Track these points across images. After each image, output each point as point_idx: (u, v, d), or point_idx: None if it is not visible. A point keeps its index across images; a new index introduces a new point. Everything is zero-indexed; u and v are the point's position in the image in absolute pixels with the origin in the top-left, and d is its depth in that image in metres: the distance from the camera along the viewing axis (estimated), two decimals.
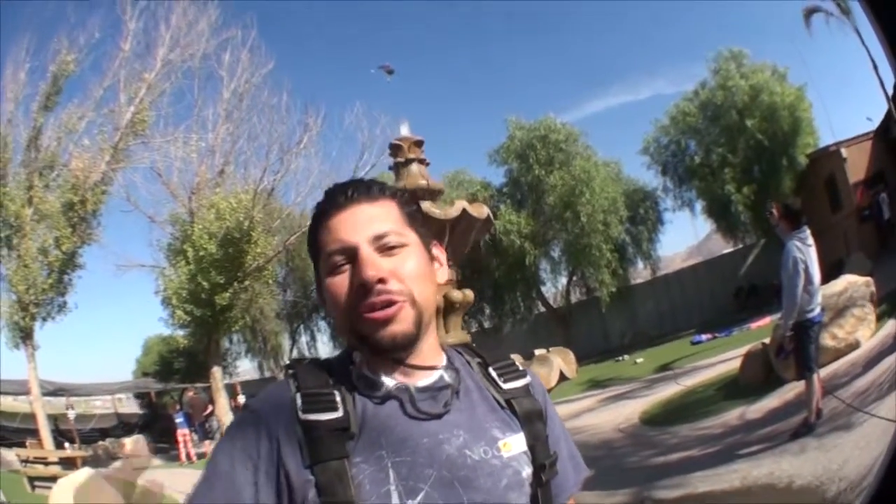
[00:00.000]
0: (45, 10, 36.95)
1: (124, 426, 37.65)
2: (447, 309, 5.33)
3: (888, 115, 24.44)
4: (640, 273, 37.92)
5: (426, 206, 5.22)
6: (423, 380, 1.55)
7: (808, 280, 8.05)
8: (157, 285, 29.93)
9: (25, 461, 21.63)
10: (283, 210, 32.45)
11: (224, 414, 28.57)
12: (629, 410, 14.59)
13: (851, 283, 11.78)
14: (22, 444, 24.94)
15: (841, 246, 24.53)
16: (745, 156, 29.79)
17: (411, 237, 1.60)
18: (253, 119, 30.71)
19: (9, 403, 35.23)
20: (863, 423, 7.59)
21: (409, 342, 1.52)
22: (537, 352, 5.28)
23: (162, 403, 38.67)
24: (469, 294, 5.43)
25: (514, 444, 1.56)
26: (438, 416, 1.51)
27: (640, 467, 9.77)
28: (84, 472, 15.17)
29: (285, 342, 41.57)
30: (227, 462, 1.41)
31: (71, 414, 30.02)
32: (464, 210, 5.21)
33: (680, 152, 32.76)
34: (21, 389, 30.50)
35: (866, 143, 25.72)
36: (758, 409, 10.56)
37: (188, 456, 26.01)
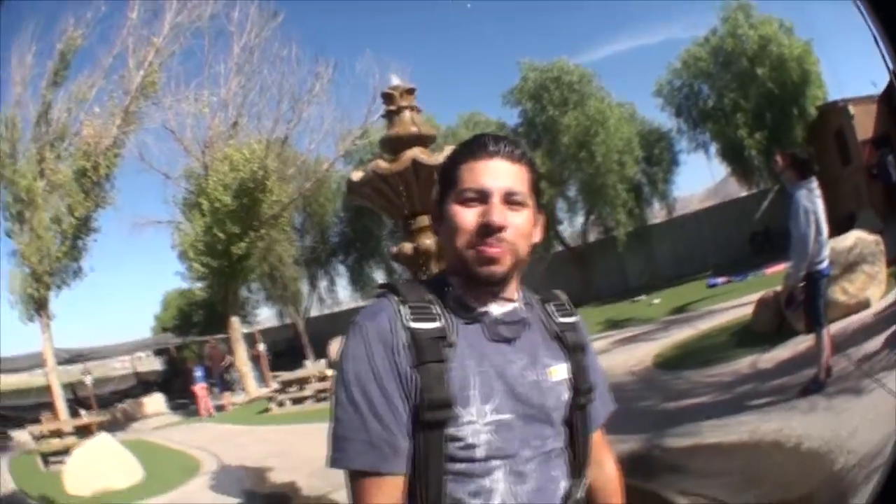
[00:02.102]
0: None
1: (143, 385, 37.94)
2: (440, 254, 5.31)
3: (890, 84, 24.29)
4: (657, 214, 37.58)
5: (415, 152, 5.39)
6: (503, 309, 1.83)
7: (818, 231, 7.93)
8: (173, 240, 30.62)
9: (39, 437, 21.49)
10: (298, 157, 32.95)
11: (243, 364, 29.20)
12: (643, 353, 14.58)
13: (861, 239, 11.59)
14: (37, 421, 24.62)
15: (851, 200, 24.44)
16: (757, 103, 29.41)
17: (530, 201, 1.85)
18: (264, 72, 31.25)
19: (22, 380, 35.78)
20: (872, 391, 7.50)
21: (501, 281, 1.81)
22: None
23: (182, 358, 38.71)
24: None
25: (560, 371, 1.87)
26: (510, 342, 1.81)
27: (650, 412, 9.72)
28: (98, 439, 15.11)
29: (304, 288, 41.49)
30: (370, 374, 1.68)
31: (88, 380, 30.15)
32: None
33: (693, 95, 32.38)
34: (36, 363, 30.68)
35: (872, 105, 25.46)
36: (769, 358, 10.48)
37: (207, 410, 26.21)
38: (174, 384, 34.65)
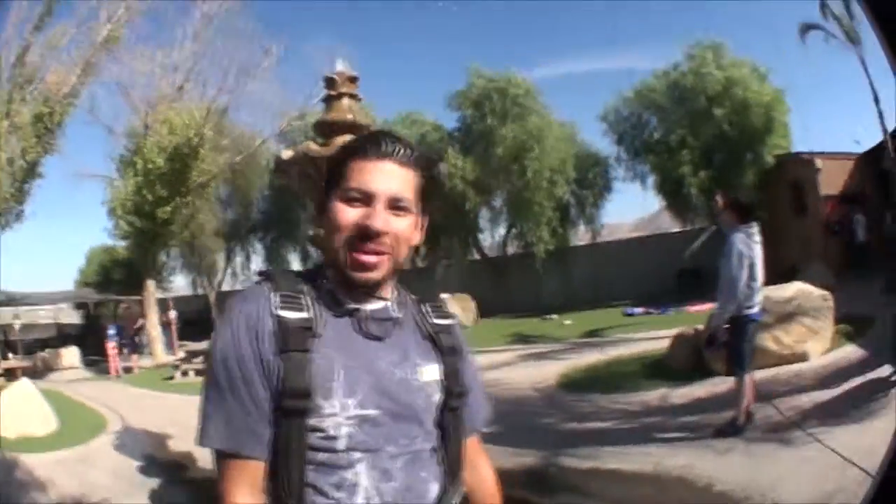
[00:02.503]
0: None
1: (63, 337, 37.86)
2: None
3: (881, 146, 24.65)
4: (582, 236, 37.96)
5: (346, 139, 5.07)
6: (374, 306, 1.84)
7: (752, 276, 7.91)
8: (105, 195, 30.67)
9: None
10: (234, 130, 33.78)
11: (153, 328, 29.63)
12: (548, 371, 14.50)
13: (803, 291, 11.69)
14: None
15: (797, 252, 24.75)
16: (707, 142, 29.71)
17: (414, 207, 1.84)
18: (217, 42, 31.42)
19: None
20: (806, 444, 7.34)
21: (375, 287, 1.83)
22: (442, 296, 4.78)
23: (99, 315, 39.20)
24: None
25: (430, 372, 1.87)
26: (380, 339, 1.81)
27: (550, 430, 9.76)
28: (21, 384, 15.06)
29: (220, 261, 42.17)
30: (234, 358, 1.68)
31: (17, 324, 30.75)
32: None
33: (640, 125, 32.73)
34: None
35: (846, 162, 26.10)
36: (682, 394, 10.51)
37: (116, 369, 26.25)
38: (89, 340, 34.42)
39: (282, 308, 1.71)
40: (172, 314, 31.31)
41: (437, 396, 1.86)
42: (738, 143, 28.97)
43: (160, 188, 27.63)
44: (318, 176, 5.64)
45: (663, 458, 7.48)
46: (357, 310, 1.81)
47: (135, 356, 27.73)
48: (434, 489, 1.83)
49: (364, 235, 1.73)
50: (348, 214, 1.76)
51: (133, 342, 29.27)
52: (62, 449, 11.81)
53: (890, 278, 17.90)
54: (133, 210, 28.17)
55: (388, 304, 1.88)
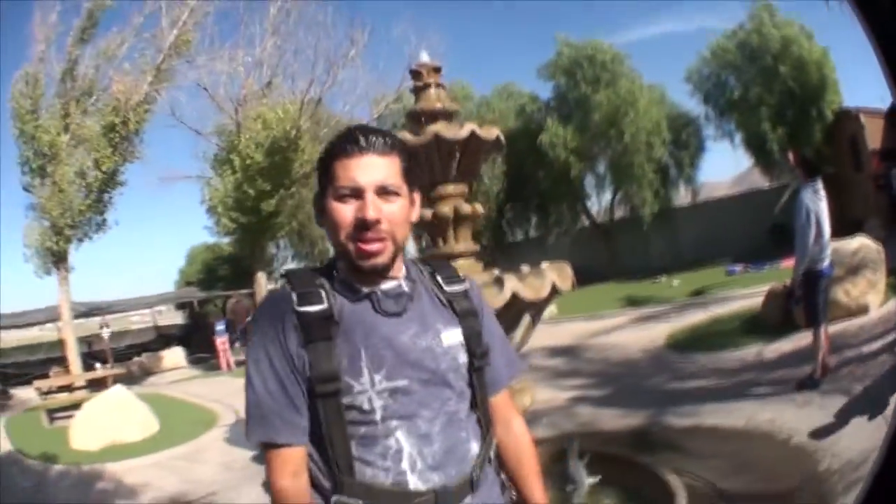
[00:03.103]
0: None
1: (163, 339, 37.78)
2: (457, 220, 5.87)
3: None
4: (682, 197, 37.61)
5: (438, 127, 5.63)
6: (387, 286, 1.98)
7: (819, 232, 8.15)
8: (202, 195, 30.57)
9: (47, 393, 21.00)
10: (332, 118, 32.70)
11: None
12: (657, 332, 14.85)
13: (865, 245, 11.69)
14: (45, 376, 24.41)
15: (860, 206, 24.55)
16: (779, 99, 29.42)
17: (403, 189, 1.98)
18: (299, 34, 31.02)
19: (32, 335, 35.23)
20: (862, 397, 7.43)
21: (384, 271, 1.97)
22: (543, 265, 5.54)
23: (204, 313, 39.23)
24: (478, 208, 5.95)
25: (452, 336, 2.02)
26: (398, 314, 1.97)
27: (656, 391, 10.07)
28: (111, 392, 14.87)
29: (331, 249, 41.41)
30: (264, 357, 1.87)
31: (105, 333, 29.97)
32: (472, 132, 5.64)
33: (721, 85, 32.39)
34: (50, 317, 30.42)
35: (880, 119, 25.67)
36: (773, 349, 10.74)
37: (227, 364, 26.54)
38: (194, 338, 34.72)
39: (300, 304, 1.87)
40: None
41: (463, 358, 2.03)
42: (804, 100, 28.75)
43: (262, 182, 27.68)
44: (414, 164, 5.92)
45: (755, 412, 7.77)
46: (372, 292, 1.96)
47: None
48: (475, 447, 2.01)
49: (361, 227, 1.89)
50: (343, 211, 1.91)
51: (244, 335, 28.48)
52: (163, 450, 12.03)
53: None
54: (235, 206, 28.27)
55: (400, 281, 2.02)
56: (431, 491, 1.87)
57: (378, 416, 1.85)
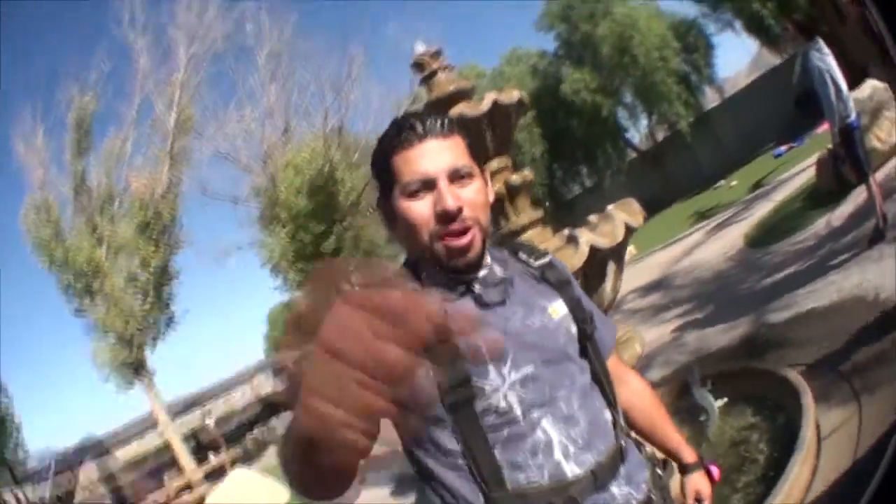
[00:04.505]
0: (40, 74, 36.80)
1: (270, 408, 36.65)
2: (511, 194, 5.60)
3: None
4: (711, 100, 37.49)
5: (459, 108, 5.45)
6: (481, 274, 1.84)
7: (837, 88, 8.36)
8: (261, 258, 30.28)
9: (168, 502, 20.61)
10: (359, 141, 32.39)
11: None
12: (734, 236, 14.92)
13: (875, 87, 11.94)
14: (160, 486, 24.20)
15: (857, 56, 24.44)
16: None
17: (475, 168, 1.81)
18: (297, 72, 31.12)
19: (135, 450, 34.19)
20: None
21: (479, 264, 1.82)
22: (608, 208, 5.30)
23: (304, 371, 38.68)
24: (528, 174, 5.70)
25: (558, 309, 1.91)
26: (503, 303, 1.83)
27: (751, 294, 10.06)
28: (232, 475, 14.33)
29: None
30: None
31: (209, 421, 29.86)
32: (494, 101, 5.38)
33: None
34: (146, 426, 30.02)
35: None
36: (839, 215, 10.84)
37: None
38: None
39: None
40: None
41: (573, 328, 1.90)
42: None
43: (314, 226, 27.68)
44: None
45: (842, 282, 7.79)
46: (470, 286, 1.82)
47: None
48: (608, 415, 1.89)
49: (445, 219, 1.71)
50: (419, 208, 1.74)
51: None
52: None
53: None
54: (296, 257, 27.98)
55: (492, 267, 1.88)
56: (589, 472, 1.74)
57: (518, 412, 1.71)
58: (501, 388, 1.71)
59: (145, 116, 27.95)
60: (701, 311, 10.95)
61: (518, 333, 1.79)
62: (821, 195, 12.82)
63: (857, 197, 10.49)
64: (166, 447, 27.98)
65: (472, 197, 1.77)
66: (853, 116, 8.60)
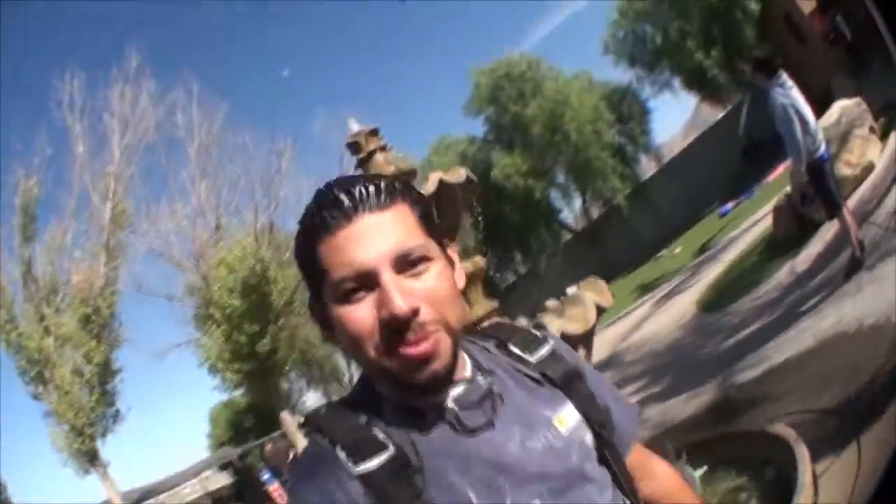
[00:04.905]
0: None
1: (221, 502, 38.01)
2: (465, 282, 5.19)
3: None
4: (648, 167, 38.03)
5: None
6: (457, 391, 1.37)
7: (804, 121, 8.06)
8: (198, 357, 30.02)
9: None
10: (290, 239, 32.34)
11: None
12: (684, 303, 14.52)
13: (844, 107, 11.81)
14: None
15: (820, 76, 24.41)
16: (701, 21, 29.64)
17: (432, 247, 1.36)
18: (226, 167, 31.38)
19: None
20: None
21: (449, 375, 1.34)
22: (569, 290, 5.17)
23: (248, 466, 38.77)
24: (479, 261, 5.32)
25: (568, 416, 1.46)
26: (490, 424, 1.36)
27: (713, 357, 9.64)
28: None
29: (341, 361, 41.83)
30: None
31: None
32: (440, 181, 5.00)
33: (639, 40, 32.78)
34: None
35: None
36: (804, 258, 10.51)
37: None
38: (247, 493, 34.50)
39: (356, 461, 1.26)
40: None
41: (588, 437, 1.48)
42: (725, 7, 28.88)
43: (249, 326, 27.04)
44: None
45: (817, 325, 7.46)
46: (442, 409, 1.36)
47: None
48: None
49: (393, 329, 1.25)
50: (358, 314, 1.28)
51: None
52: None
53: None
54: (232, 357, 27.54)
55: (473, 378, 1.42)
56: None
57: None
58: None
59: (84, 207, 28.25)
60: (658, 385, 10.41)
61: (516, 463, 1.33)
62: (779, 244, 12.35)
63: (825, 234, 10.24)
64: None
65: (432, 287, 1.30)
66: (822, 149, 8.36)
